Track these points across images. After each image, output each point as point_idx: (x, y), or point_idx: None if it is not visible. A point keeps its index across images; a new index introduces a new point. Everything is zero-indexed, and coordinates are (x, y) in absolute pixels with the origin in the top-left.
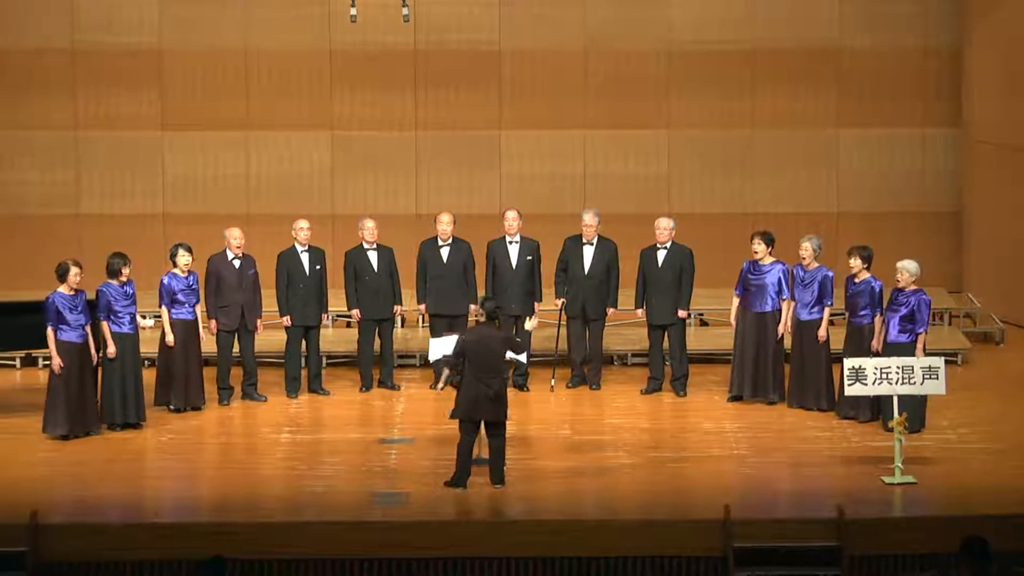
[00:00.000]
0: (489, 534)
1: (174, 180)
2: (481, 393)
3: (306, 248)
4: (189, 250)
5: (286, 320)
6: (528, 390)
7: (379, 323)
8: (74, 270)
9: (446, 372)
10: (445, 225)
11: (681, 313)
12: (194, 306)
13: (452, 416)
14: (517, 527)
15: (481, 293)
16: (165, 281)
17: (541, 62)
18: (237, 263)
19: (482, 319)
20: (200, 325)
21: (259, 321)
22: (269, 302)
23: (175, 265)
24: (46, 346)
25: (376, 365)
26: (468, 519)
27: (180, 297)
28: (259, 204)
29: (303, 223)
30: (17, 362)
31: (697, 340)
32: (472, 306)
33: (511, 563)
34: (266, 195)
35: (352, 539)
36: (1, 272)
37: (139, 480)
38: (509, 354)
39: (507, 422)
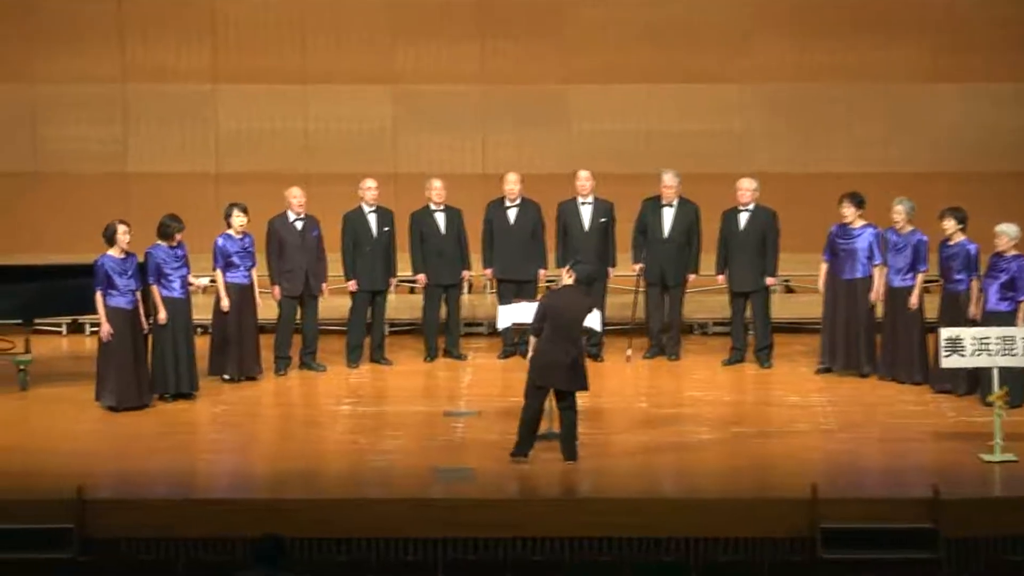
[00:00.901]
0: (559, 513)
1: (227, 136)
2: (558, 360)
3: (374, 208)
4: (244, 210)
5: (352, 285)
6: (602, 360)
7: (445, 289)
8: (122, 229)
9: (534, 340)
10: (512, 184)
11: (768, 280)
12: (249, 270)
13: (529, 383)
14: (588, 506)
15: (551, 257)
16: (219, 242)
17: (606, 10)
18: (299, 224)
19: (570, 281)
20: (256, 290)
21: (324, 286)
22: (332, 266)
23: (229, 226)
24: (94, 311)
25: (441, 333)
26: (537, 497)
27: (235, 260)
28: (317, 162)
29: (370, 182)
30: (63, 328)
31: (782, 308)
32: (541, 271)
33: (582, 544)
34: (325, 153)
35: (415, 517)
36: (45, 234)
37: (191, 453)
38: (587, 321)
39: (581, 394)
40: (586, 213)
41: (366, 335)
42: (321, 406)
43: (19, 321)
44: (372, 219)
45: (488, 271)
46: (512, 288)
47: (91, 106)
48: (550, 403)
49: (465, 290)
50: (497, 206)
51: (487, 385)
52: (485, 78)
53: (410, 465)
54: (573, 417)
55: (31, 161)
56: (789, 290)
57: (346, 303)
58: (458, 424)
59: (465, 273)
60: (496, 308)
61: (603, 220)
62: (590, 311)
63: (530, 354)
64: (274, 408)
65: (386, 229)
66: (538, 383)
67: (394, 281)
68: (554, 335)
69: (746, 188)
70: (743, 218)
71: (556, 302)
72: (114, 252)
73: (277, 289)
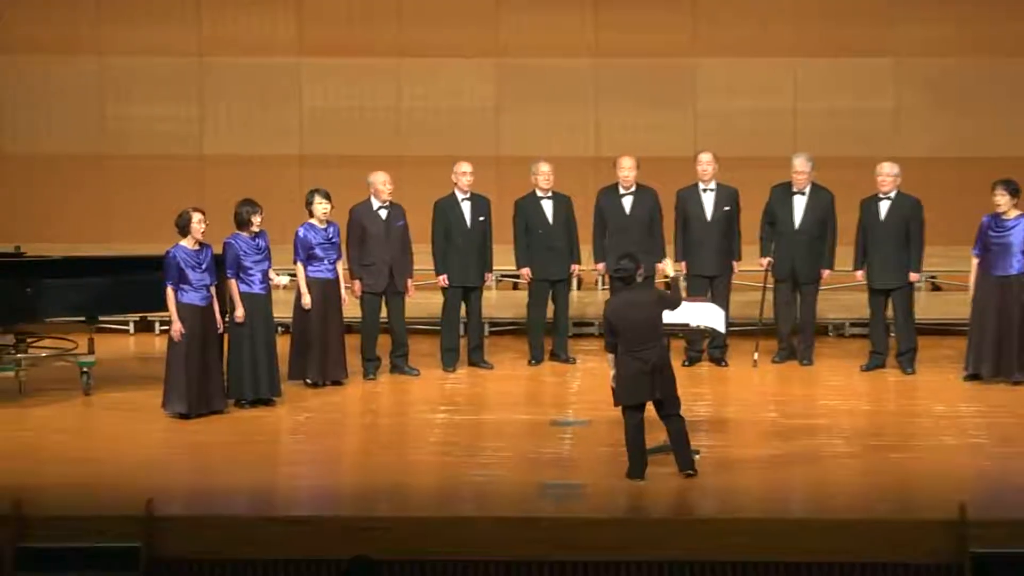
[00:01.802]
0: (677, 533)
1: (313, 115)
2: (637, 370)
3: (468, 195)
4: (328, 197)
5: (442, 280)
6: (726, 365)
7: (553, 284)
8: (197, 218)
9: (611, 357)
10: (627, 171)
11: (912, 276)
12: (334, 263)
13: (616, 404)
14: (710, 526)
15: (670, 249)
16: (301, 233)
17: None
18: (384, 213)
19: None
20: (342, 286)
21: (410, 282)
22: (422, 259)
23: (312, 214)
24: (164, 308)
25: (548, 334)
26: (652, 516)
27: (318, 252)
28: (411, 144)
29: (465, 166)
30: (131, 327)
31: (928, 308)
32: (658, 265)
33: (702, 568)
34: (419, 133)
35: (517, 538)
36: (112, 223)
37: (271, 466)
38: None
39: (701, 403)
40: (708, 201)
41: (462, 335)
42: (413, 414)
43: (82, 319)
44: (466, 207)
45: (600, 265)
46: None
47: (164, 81)
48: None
49: (574, 286)
50: (610, 193)
51: (598, 391)
52: (599, 50)
53: (512, 480)
54: (680, 424)
55: (97, 142)
56: (936, 287)
57: (438, 300)
58: (566, 435)
59: (574, 267)
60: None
61: (727, 209)
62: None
63: (611, 373)
64: (362, 416)
65: (481, 219)
66: (623, 403)
67: (490, 276)
68: (627, 344)
69: (887, 174)
70: (884, 207)
71: (619, 308)
72: (187, 243)
73: (358, 284)
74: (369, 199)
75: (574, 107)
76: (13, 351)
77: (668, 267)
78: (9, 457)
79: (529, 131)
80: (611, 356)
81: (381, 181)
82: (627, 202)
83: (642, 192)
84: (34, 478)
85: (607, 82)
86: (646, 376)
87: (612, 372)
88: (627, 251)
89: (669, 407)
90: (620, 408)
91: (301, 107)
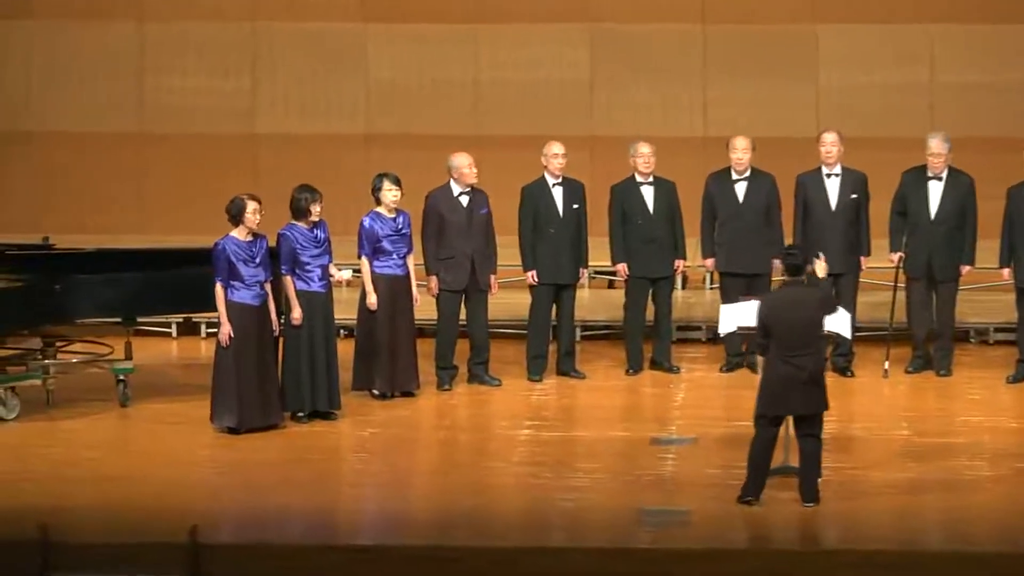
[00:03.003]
0: (796, 567)
1: (380, 89)
2: (791, 377)
3: (559, 180)
4: (397, 182)
5: (531, 277)
6: (852, 375)
7: (653, 283)
8: (251, 206)
9: (762, 360)
10: (741, 153)
11: None
12: (404, 257)
13: (758, 414)
14: (835, 558)
15: (789, 242)
16: (366, 223)
17: None
18: (465, 200)
19: (786, 276)
20: (413, 283)
21: (493, 278)
22: (507, 254)
23: (379, 202)
24: (211, 307)
25: (648, 339)
26: (768, 548)
27: (386, 245)
28: (492, 122)
29: (556, 147)
30: (173, 329)
31: None
32: (776, 262)
33: None
34: (501, 110)
35: (613, 571)
36: (152, 210)
37: (332, 488)
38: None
39: (824, 418)
40: (832, 188)
41: (551, 340)
42: (495, 430)
43: (118, 320)
44: (558, 193)
45: (708, 261)
46: (740, 283)
47: (212, 50)
48: (786, 429)
49: (679, 285)
50: (721, 179)
51: (705, 405)
52: (708, 15)
53: (607, 506)
54: (816, 447)
55: (136, 118)
56: None
57: (525, 299)
58: (669, 454)
59: (679, 263)
60: (718, 308)
61: (854, 196)
62: (823, 306)
63: (760, 377)
64: (435, 432)
65: (575, 206)
66: (770, 413)
67: (585, 272)
68: (783, 348)
69: None
70: None
71: (777, 306)
72: (239, 234)
73: (435, 281)
74: (448, 184)
75: (679, 80)
76: (40, 356)
77: (819, 268)
78: (35, 477)
79: (627, 107)
80: (762, 360)
81: (466, 164)
82: (740, 189)
83: (758, 177)
84: (63, 500)
85: (717, 51)
86: (799, 386)
87: (760, 376)
88: (790, 246)
89: (811, 425)
90: (754, 418)
91: (367, 79)
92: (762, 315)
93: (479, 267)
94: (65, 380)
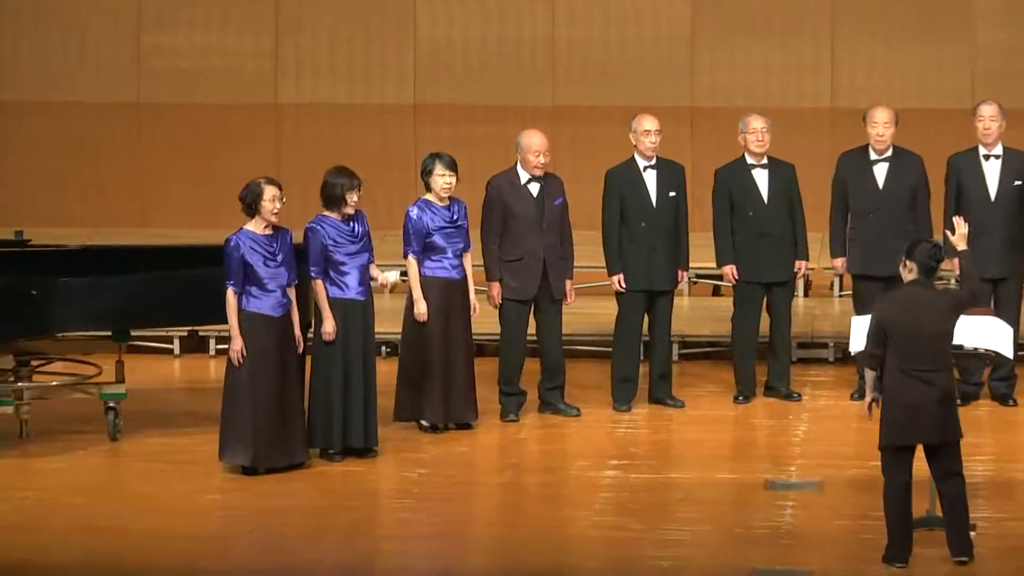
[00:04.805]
0: None
1: (430, 51)
2: (917, 396)
3: (652, 162)
4: (452, 165)
5: (617, 282)
6: (1015, 403)
7: (768, 289)
8: (270, 193)
9: (872, 376)
10: (882, 127)
11: None
12: (461, 255)
13: (881, 446)
14: None
15: (937, 236)
16: (414, 214)
17: None
18: (535, 188)
19: (912, 276)
20: (471, 288)
21: (570, 284)
22: (586, 254)
23: (429, 188)
24: (223, 319)
25: (761, 359)
26: None
27: (438, 240)
28: (569, 91)
29: (648, 122)
30: (176, 345)
31: None
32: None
33: None
34: (580, 77)
35: None
36: (152, 198)
37: (370, 540)
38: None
39: (980, 457)
40: (991, 172)
41: (642, 361)
42: (572, 471)
43: (108, 333)
44: (650, 179)
45: (838, 261)
46: (878, 288)
47: (226, 5)
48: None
49: (800, 291)
50: (856, 160)
51: (833, 440)
52: None
53: (711, 564)
54: (960, 487)
55: (132, 87)
56: None
57: (610, 310)
58: (787, 501)
59: (800, 264)
60: (849, 321)
61: (1018, 184)
62: (956, 308)
63: (868, 399)
64: (497, 473)
65: (672, 194)
66: (896, 443)
67: (685, 276)
68: (905, 362)
69: None
70: None
71: (897, 310)
72: (255, 227)
73: (497, 288)
74: (515, 168)
75: (801, 41)
76: (12, 378)
77: (959, 234)
78: (7, 527)
79: (736, 73)
80: (872, 376)
81: (537, 144)
82: (880, 171)
83: (901, 158)
84: (41, 555)
85: (848, 7)
86: (932, 407)
87: (869, 398)
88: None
89: (949, 461)
90: (880, 456)
91: (416, 41)
92: (877, 319)
93: (552, 271)
94: (43, 407)
